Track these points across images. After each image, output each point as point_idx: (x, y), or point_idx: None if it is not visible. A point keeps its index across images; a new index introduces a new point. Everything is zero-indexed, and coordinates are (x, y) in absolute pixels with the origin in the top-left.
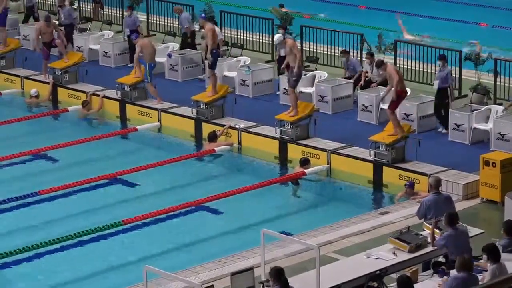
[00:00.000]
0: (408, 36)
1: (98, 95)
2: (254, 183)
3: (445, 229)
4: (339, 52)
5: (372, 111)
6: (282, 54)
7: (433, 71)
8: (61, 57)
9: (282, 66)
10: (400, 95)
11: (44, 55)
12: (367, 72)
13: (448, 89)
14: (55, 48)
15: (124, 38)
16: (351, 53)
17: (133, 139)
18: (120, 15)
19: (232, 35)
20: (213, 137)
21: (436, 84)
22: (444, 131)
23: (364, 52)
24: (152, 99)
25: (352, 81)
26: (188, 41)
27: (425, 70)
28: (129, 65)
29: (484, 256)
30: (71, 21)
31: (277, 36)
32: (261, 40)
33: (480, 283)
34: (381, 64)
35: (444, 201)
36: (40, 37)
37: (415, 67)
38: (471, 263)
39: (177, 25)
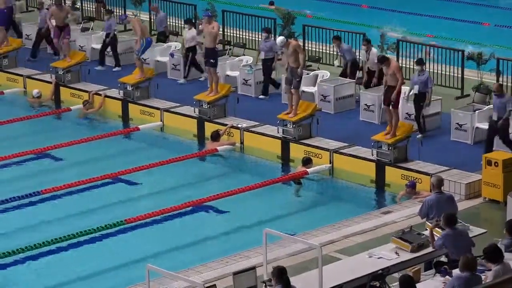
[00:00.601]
0: None
1: (100, 95)
2: (256, 183)
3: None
4: (332, 38)
5: (375, 111)
6: (262, 57)
7: (435, 71)
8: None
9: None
10: (400, 93)
11: (54, 34)
12: (369, 69)
13: (427, 93)
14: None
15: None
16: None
17: (135, 139)
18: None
19: (234, 35)
20: (215, 136)
21: (416, 89)
22: (419, 135)
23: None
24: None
25: (353, 80)
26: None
27: (426, 69)
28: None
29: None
30: (42, 26)
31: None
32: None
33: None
34: (384, 60)
35: (446, 200)
36: (52, 20)
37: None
38: (475, 263)
39: (178, 25)
